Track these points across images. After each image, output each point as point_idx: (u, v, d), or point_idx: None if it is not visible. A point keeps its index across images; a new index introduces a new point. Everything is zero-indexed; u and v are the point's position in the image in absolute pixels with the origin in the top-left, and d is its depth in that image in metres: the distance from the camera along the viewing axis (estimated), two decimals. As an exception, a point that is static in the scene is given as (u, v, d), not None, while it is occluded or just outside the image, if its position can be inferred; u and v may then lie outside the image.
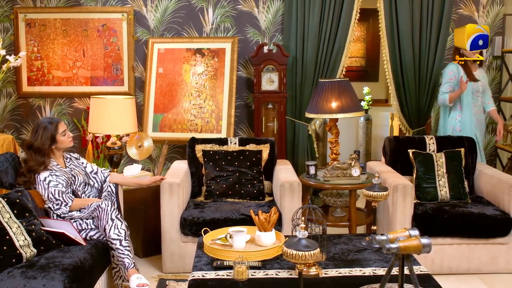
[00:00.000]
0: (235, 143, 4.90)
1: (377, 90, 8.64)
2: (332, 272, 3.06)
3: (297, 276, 2.73)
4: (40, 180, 3.73)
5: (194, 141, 4.90)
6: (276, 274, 3.03)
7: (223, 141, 4.92)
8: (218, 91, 5.55)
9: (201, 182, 4.79)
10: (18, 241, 3.20)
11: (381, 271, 3.06)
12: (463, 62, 5.15)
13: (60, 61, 5.86)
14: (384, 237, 2.52)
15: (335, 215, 4.80)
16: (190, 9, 5.81)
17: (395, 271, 2.73)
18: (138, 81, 5.91)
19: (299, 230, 2.59)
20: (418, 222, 4.23)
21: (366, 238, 3.56)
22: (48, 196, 3.72)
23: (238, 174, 4.66)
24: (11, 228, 3.21)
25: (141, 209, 4.70)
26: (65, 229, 3.50)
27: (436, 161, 4.63)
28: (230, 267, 3.06)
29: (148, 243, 4.72)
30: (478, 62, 5.21)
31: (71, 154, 4.10)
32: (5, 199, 3.30)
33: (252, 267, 3.08)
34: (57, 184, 3.75)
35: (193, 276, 3.00)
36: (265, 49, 5.52)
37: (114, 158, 4.85)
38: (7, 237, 3.17)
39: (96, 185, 4.10)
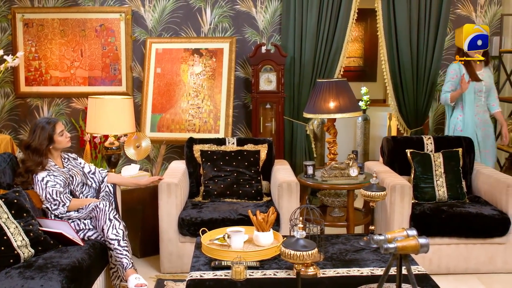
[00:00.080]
0: (233, 143, 4.90)
1: (375, 90, 8.64)
2: (330, 272, 3.06)
3: (295, 276, 2.73)
4: (38, 180, 3.73)
5: (192, 141, 4.90)
6: (274, 274, 3.03)
7: (221, 141, 4.92)
8: (216, 91, 5.55)
9: (199, 182, 4.79)
10: (15, 241, 3.19)
11: (379, 271, 3.06)
12: (463, 62, 5.14)
13: (58, 61, 5.85)
14: (382, 237, 2.52)
15: (333, 215, 4.80)
16: (188, 9, 5.80)
17: (393, 271, 2.73)
18: (136, 81, 5.91)
19: (297, 230, 2.59)
20: (416, 222, 4.23)
21: (364, 238, 3.56)
22: (46, 196, 3.72)
23: (236, 174, 4.66)
24: (8, 229, 3.20)
25: (139, 209, 4.69)
26: (63, 230, 3.49)
27: (434, 161, 4.63)
28: (228, 267, 3.06)
29: (146, 243, 4.72)
30: (478, 62, 5.16)
31: (69, 154, 4.09)
32: (3, 200, 3.30)
33: (250, 267, 3.08)
34: (55, 184, 3.75)
35: (191, 276, 3.00)
36: (263, 49, 5.52)
37: (112, 158, 4.85)
38: (5, 237, 3.16)
39: (94, 185, 4.10)
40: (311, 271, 3.01)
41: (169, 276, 4.26)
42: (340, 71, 5.67)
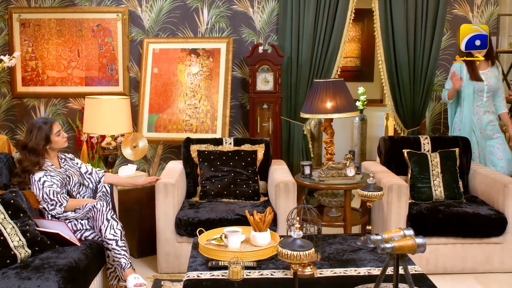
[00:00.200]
0: (230, 143, 4.90)
1: (372, 90, 8.65)
2: (327, 272, 3.06)
3: (292, 276, 2.73)
4: (35, 181, 3.72)
5: (189, 141, 4.90)
6: (271, 274, 3.03)
7: (218, 141, 4.92)
8: (213, 91, 5.55)
9: (196, 182, 4.79)
10: (12, 241, 3.19)
11: (376, 271, 3.06)
12: (462, 62, 5.13)
13: (55, 61, 5.85)
14: (379, 237, 2.52)
15: (330, 215, 4.80)
16: (185, 9, 5.80)
17: (390, 271, 2.74)
18: (133, 81, 5.90)
19: (294, 230, 2.59)
20: (413, 222, 4.24)
21: (361, 238, 3.56)
22: (42, 196, 3.71)
23: (233, 174, 4.66)
24: (5, 229, 3.20)
25: (136, 209, 4.69)
26: (59, 230, 3.49)
27: (431, 161, 4.64)
28: (225, 267, 3.06)
29: (143, 244, 4.72)
30: (478, 62, 5.09)
31: (66, 154, 4.09)
32: (0, 200, 3.29)
33: (247, 267, 3.08)
34: (51, 185, 3.74)
35: (188, 277, 3.00)
36: (260, 49, 5.52)
37: (109, 159, 4.85)
38: (1, 237, 3.16)
39: (90, 185, 4.09)
40: (308, 271, 3.02)
41: (166, 276, 4.26)
42: (337, 71, 5.67)
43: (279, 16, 5.70)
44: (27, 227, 3.32)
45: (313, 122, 6.69)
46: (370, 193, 3.50)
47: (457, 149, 4.76)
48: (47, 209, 3.73)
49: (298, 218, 2.79)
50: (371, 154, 8.14)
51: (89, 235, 3.72)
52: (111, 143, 4.84)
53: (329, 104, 4.63)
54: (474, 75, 5.05)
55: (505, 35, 5.97)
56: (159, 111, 5.63)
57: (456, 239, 4.26)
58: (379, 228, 4.52)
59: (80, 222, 3.75)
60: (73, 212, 3.78)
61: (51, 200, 3.71)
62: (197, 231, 3.54)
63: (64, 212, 3.76)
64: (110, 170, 4.85)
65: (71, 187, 3.92)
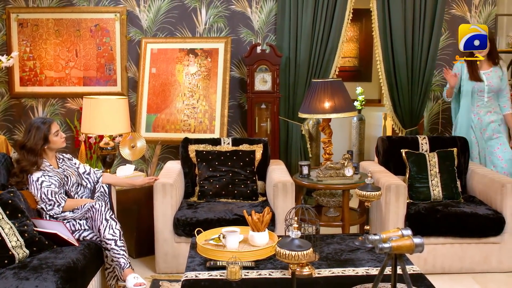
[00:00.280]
0: (228, 143, 4.90)
1: (370, 90, 8.66)
2: (325, 272, 3.06)
3: (290, 276, 2.73)
4: (33, 181, 3.72)
5: (187, 141, 4.89)
6: (269, 274, 3.03)
7: (216, 141, 4.92)
8: (211, 91, 5.55)
9: (194, 182, 4.79)
10: (10, 242, 3.19)
11: (374, 271, 3.07)
12: (463, 62, 5.13)
13: (53, 61, 5.84)
14: (377, 237, 2.52)
15: (328, 215, 4.80)
16: (183, 9, 5.80)
17: (388, 270, 2.74)
18: (131, 81, 5.90)
19: (292, 230, 2.59)
20: (411, 221, 4.24)
21: (359, 238, 3.57)
22: (40, 196, 3.71)
23: (231, 174, 4.66)
24: (3, 229, 3.19)
25: (134, 209, 4.69)
26: (57, 230, 3.49)
27: (429, 161, 4.64)
28: (223, 267, 3.06)
29: (141, 244, 4.72)
30: (478, 62, 5.04)
31: (64, 154, 4.08)
32: (-3, 200, 3.30)
33: (245, 267, 3.08)
34: (50, 185, 3.74)
35: (186, 277, 3.00)
36: (258, 49, 5.52)
37: (107, 159, 4.84)
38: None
39: (88, 185, 4.09)
40: (306, 271, 3.02)
41: (164, 277, 4.26)
42: (335, 71, 5.67)
43: (277, 16, 5.70)
44: (25, 227, 3.32)
45: (311, 122, 6.69)
46: (368, 193, 3.50)
47: (455, 149, 4.76)
48: (45, 209, 3.72)
49: (296, 218, 2.79)
50: (369, 154, 8.15)
51: (87, 235, 3.72)
52: (109, 143, 4.84)
53: (327, 104, 4.63)
54: (474, 75, 5.03)
55: (503, 35, 5.98)
56: (157, 111, 5.63)
57: (454, 239, 4.27)
58: (377, 228, 4.52)
59: (78, 222, 3.75)
60: (71, 212, 3.78)
61: (49, 200, 3.71)
62: (195, 231, 3.55)
63: (62, 212, 3.75)
64: (108, 170, 4.84)
65: (69, 187, 3.92)
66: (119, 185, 4.39)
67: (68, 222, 3.73)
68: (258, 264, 3.15)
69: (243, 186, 4.63)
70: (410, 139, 4.92)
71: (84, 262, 3.34)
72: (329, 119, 4.80)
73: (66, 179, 3.89)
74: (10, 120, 5.94)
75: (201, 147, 4.83)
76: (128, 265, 3.61)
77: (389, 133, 7.58)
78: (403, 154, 4.71)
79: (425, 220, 4.23)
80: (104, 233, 3.60)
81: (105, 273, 3.76)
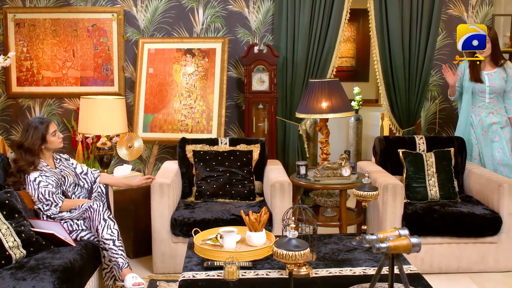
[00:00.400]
0: (226, 143, 4.90)
1: (367, 90, 8.66)
2: (323, 272, 3.06)
3: (287, 276, 2.73)
4: (30, 181, 3.71)
5: (184, 142, 4.89)
6: (267, 274, 3.03)
7: (213, 141, 4.92)
8: (209, 91, 5.54)
9: (192, 182, 4.79)
10: (7, 242, 3.18)
11: (371, 271, 3.07)
12: (463, 62, 5.12)
13: (50, 62, 5.83)
14: (374, 237, 2.53)
15: (326, 215, 4.81)
16: (181, 9, 5.80)
17: (385, 270, 2.74)
18: (128, 82, 5.89)
19: (289, 230, 2.59)
20: (408, 221, 4.25)
21: (356, 237, 3.57)
22: (38, 196, 3.70)
23: (228, 174, 4.66)
24: (0, 230, 3.19)
25: (132, 209, 4.68)
26: (55, 230, 3.48)
27: (426, 160, 4.65)
28: (220, 268, 3.06)
29: (139, 244, 4.71)
30: (478, 62, 4.98)
31: (61, 155, 4.08)
32: (-6, 200, 3.29)
33: (242, 267, 3.08)
34: (47, 185, 3.73)
35: (184, 277, 3.00)
36: (256, 49, 5.52)
37: (104, 159, 4.84)
38: (-4, 238, 3.16)
39: (86, 186, 4.09)
40: (303, 271, 3.02)
41: (161, 277, 4.26)
42: (332, 71, 5.67)
43: (275, 16, 5.70)
44: (22, 227, 3.31)
45: (308, 122, 6.70)
46: (365, 193, 3.51)
47: (452, 149, 4.77)
48: (42, 209, 3.72)
49: (293, 218, 2.79)
50: (367, 154, 8.15)
51: (84, 236, 3.71)
52: (106, 143, 4.84)
53: (324, 104, 4.63)
54: (474, 76, 4.99)
55: (500, 35, 5.98)
56: (154, 111, 5.63)
57: (451, 239, 4.27)
58: (374, 228, 4.53)
59: (76, 222, 3.75)
60: (68, 213, 3.77)
61: (47, 200, 3.71)
62: (193, 231, 3.54)
63: (59, 212, 3.75)
64: (105, 170, 4.84)
65: (66, 188, 3.91)
66: (116, 185, 4.38)
67: (66, 222, 3.73)
68: (255, 264, 3.15)
69: (240, 186, 4.63)
70: (407, 139, 4.93)
71: (81, 263, 3.33)
72: (327, 119, 4.80)
73: (63, 179, 3.89)
74: (7, 120, 5.93)
75: (198, 147, 4.83)
76: (127, 265, 3.61)
77: (386, 133, 7.58)
78: (400, 154, 4.71)
79: (422, 220, 4.24)
80: (102, 233, 3.60)
81: (102, 273, 3.75)
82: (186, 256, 3.30)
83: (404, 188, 4.44)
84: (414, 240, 2.43)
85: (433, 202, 4.49)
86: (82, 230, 3.73)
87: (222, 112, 5.47)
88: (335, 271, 3.08)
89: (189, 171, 4.81)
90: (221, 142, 4.91)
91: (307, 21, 5.52)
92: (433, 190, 4.55)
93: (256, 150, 4.84)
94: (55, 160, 3.96)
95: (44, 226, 3.53)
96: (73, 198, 3.94)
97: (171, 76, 5.63)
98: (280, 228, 4.10)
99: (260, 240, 3.35)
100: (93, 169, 4.20)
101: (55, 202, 3.73)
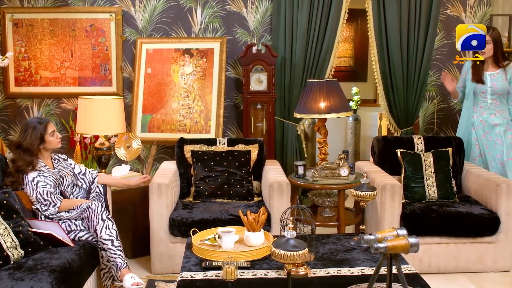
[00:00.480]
0: (224, 144, 4.90)
1: (365, 90, 8.66)
2: (321, 272, 3.06)
3: (285, 276, 2.73)
4: (28, 181, 3.71)
5: (182, 142, 4.89)
6: (265, 274, 3.03)
7: (211, 142, 4.92)
8: (207, 91, 5.54)
9: (190, 182, 4.79)
10: (5, 242, 3.18)
11: (369, 271, 3.07)
12: (463, 62, 5.11)
13: (48, 62, 5.83)
14: (372, 237, 2.53)
15: (324, 215, 4.81)
16: (179, 9, 5.79)
17: (383, 270, 2.75)
18: (127, 82, 5.89)
19: (287, 230, 2.59)
20: (406, 221, 4.25)
21: (354, 237, 3.57)
22: (36, 196, 3.70)
23: (227, 175, 4.66)
24: (-2, 230, 3.19)
25: (130, 209, 4.68)
26: (53, 230, 3.48)
27: (424, 160, 4.65)
28: (218, 268, 3.06)
29: (137, 244, 4.71)
30: (478, 63, 4.95)
31: (59, 155, 4.08)
32: (-8, 201, 3.29)
33: (240, 268, 3.08)
34: (45, 185, 3.73)
35: (182, 277, 3.00)
36: (254, 49, 5.52)
37: (103, 159, 4.83)
38: (-6, 238, 3.15)
39: (84, 186, 4.08)
40: (301, 271, 3.02)
41: (160, 277, 4.26)
42: (330, 71, 5.67)
43: (273, 16, 5.70)
44: (20, 228, 3.31)
45: (306, 122, 6.70)
46: (364, 193, 3.51)
47: (450, 149, 4.78)
48: (40, 209, 3.72)
49: (291, 218, 2.79)
50: (365, 154, 8.15)
51: (82, 236, 3.71)
52: (105, 143, 4.83)
53: (322, 104, 4.63)
54: (475, 77, 4.97)
55: (498, 35, 5.99)
56: (152, 111, 5.63)
57: (449, 239, 4.28)
58: (373, 228, 4.53)
59: (74, 222, 3.74)
60: (66, 213, 3.77)
61: (45, 200, 3.70)
62: (191, 231, 3.54)
63: (57, 212, 3.75)
64: (103, 170, 4.83)
65: (65, 188, 3.91)
66: (114, 186, 4.39)
67: (64, 222, 3.72)
68: (253, 264, 3.15)
69: (238, 186, 4.63)
70: (405, 139, 4.93)
71: (79, 263, 3.33)
72: (325, 119, 4.81)
73: (61, 179, 3.88)
74: (5, 120, 5.92)
75: (196, 147, 4.82)
76: (125, 265, 3.61)
77: (384, 133, 7.58)
78: (399, 154, 4.72)
79: (420, 220, 4.24)
80: (100, 233, 3.60)
81: (100, 274, 3.75)
82: (184, 256, 3.29)
83: (402, 188, 4.45)
84: (412, 240, 2.44)
85: (431, 202, 4.49)
86: (80, 230, 3.73)
87: (220, 112, 5.47)
88: (333, 271, 3.08)
89: (187, 171, 4.81)
90: (219, 142, 4.91)
91: (305, 21, 5.52)
92: (431, 190, 4.56)
93: (254, 150, 4.84)
94: (53, 160, 3.96)
95: (42, 226, 3.53)
96: (71, 198, 3.94)
97: (169, 76, 5.63)
98: (278, 228, 4.10)
99: (258, 240, 3.35)
100: (91, 169, 4.20)
101: (53, 202, 3.72)
